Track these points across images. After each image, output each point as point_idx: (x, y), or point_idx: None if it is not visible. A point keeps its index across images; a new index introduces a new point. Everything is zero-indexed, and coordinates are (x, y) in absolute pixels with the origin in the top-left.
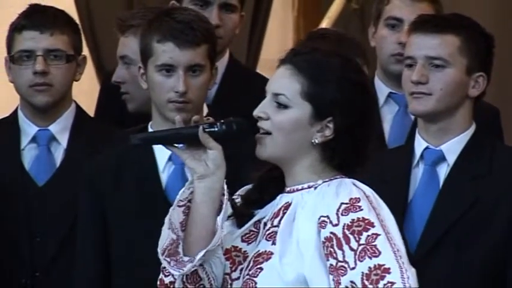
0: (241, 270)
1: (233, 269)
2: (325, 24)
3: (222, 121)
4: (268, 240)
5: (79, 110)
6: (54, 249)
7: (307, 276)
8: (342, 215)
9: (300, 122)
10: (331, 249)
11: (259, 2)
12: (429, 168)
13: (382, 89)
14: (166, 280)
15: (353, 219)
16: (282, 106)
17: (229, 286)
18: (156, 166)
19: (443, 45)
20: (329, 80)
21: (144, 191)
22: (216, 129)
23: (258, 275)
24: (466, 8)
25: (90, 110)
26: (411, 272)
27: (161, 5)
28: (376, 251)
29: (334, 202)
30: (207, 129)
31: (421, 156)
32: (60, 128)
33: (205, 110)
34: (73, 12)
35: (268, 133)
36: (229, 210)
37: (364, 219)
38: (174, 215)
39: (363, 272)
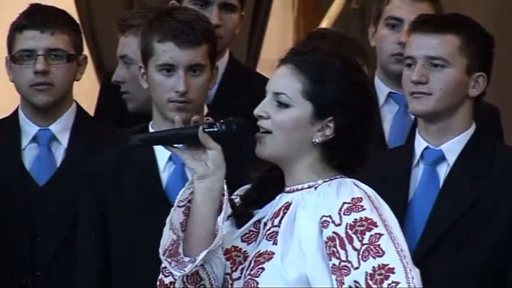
0: (241, 270)
1: (234, 269)
2: (325, 24)
3: (222, 121)
4: (269, 240)
5: (79, 110)
6: (55, 249)
7: (309, 276)
8: (344, 214)
9: (301, 121)
10: (334, 249)
11: (259, 2)
12: (429, 168)
13: (382, 89)
14: (166, 280)
15: (356, 219)
16: (283, 105)
17: (230, 286)
18: (156, 166)
19: (443, 45)
20: (329, 80)
21: (144, 191)
22: (216, 129)
23: (259, 275)
24: (466, 8)
25: (90, 110)
26: (415, 272)
27: (161, 5)
28: (380, 251)
29: (335, 202)
30: (206, 130)
31: (421, 156)
32: (61, 128)
33: (205, 110)
34: (73, 12)
35: (268, 132)
36: (229, 211)
37: (367, 218)
38: (175, 215)
39: (366, 272)
